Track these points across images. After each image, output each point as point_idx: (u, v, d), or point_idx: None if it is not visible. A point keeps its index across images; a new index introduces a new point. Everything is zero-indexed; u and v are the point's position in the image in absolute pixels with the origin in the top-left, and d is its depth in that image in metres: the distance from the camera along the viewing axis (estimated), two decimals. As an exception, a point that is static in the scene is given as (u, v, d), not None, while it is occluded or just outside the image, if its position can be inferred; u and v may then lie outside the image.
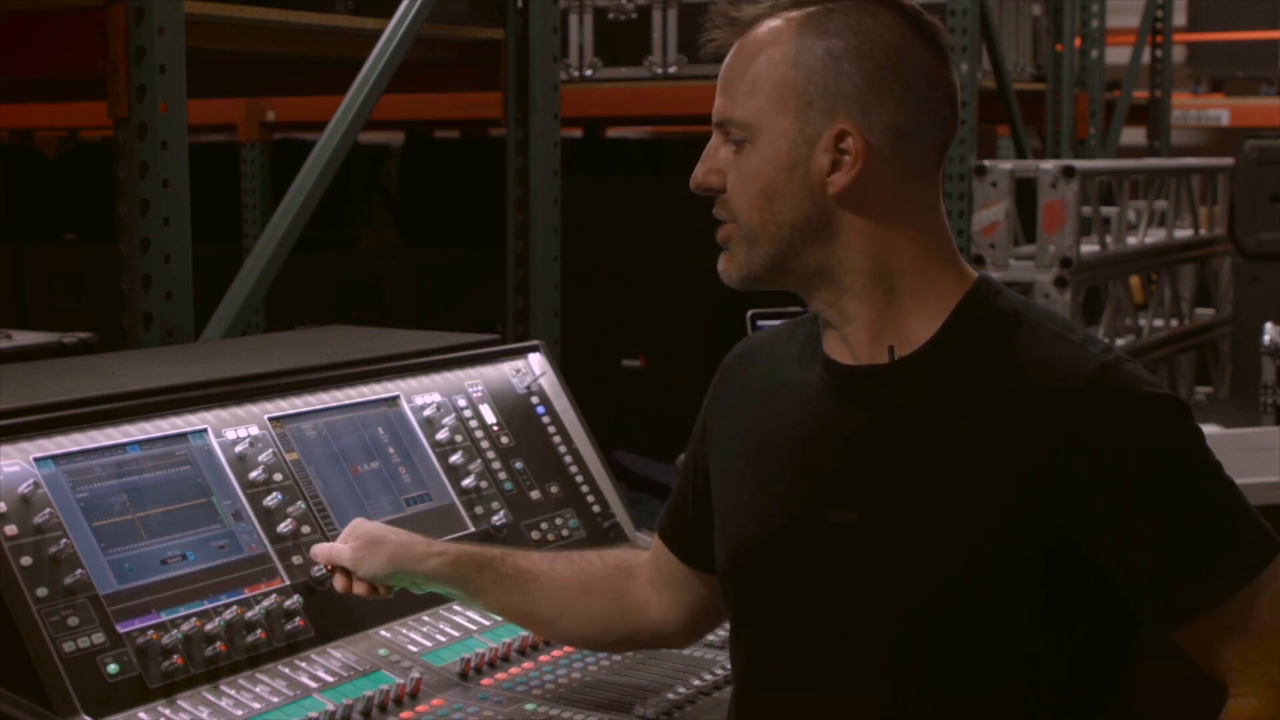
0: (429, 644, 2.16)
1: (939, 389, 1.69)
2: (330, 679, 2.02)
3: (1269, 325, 4.05)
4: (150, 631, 1.93)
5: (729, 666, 2.15)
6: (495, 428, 2.52)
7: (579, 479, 2.58)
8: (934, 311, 1.72)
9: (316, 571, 2.11)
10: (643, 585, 2.04)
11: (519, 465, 2.51)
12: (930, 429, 1.69)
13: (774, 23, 1.73)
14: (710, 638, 2.27)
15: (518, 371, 2.63)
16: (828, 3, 1.71)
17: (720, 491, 1.88)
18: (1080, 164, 4.87)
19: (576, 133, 7.51)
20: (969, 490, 1.65)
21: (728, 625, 2.28)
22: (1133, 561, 1.64)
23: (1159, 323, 5.61)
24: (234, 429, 2.18)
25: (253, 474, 2.16)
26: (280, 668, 2.02)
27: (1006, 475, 1.64)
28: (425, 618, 2.21)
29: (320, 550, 2.08)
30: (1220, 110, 10.61)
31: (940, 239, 1.75)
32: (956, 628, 1.66)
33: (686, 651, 2.22)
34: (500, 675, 2.12)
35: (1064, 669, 1.67)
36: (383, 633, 2.15)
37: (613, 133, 8.23)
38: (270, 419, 2.24)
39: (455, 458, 2.42)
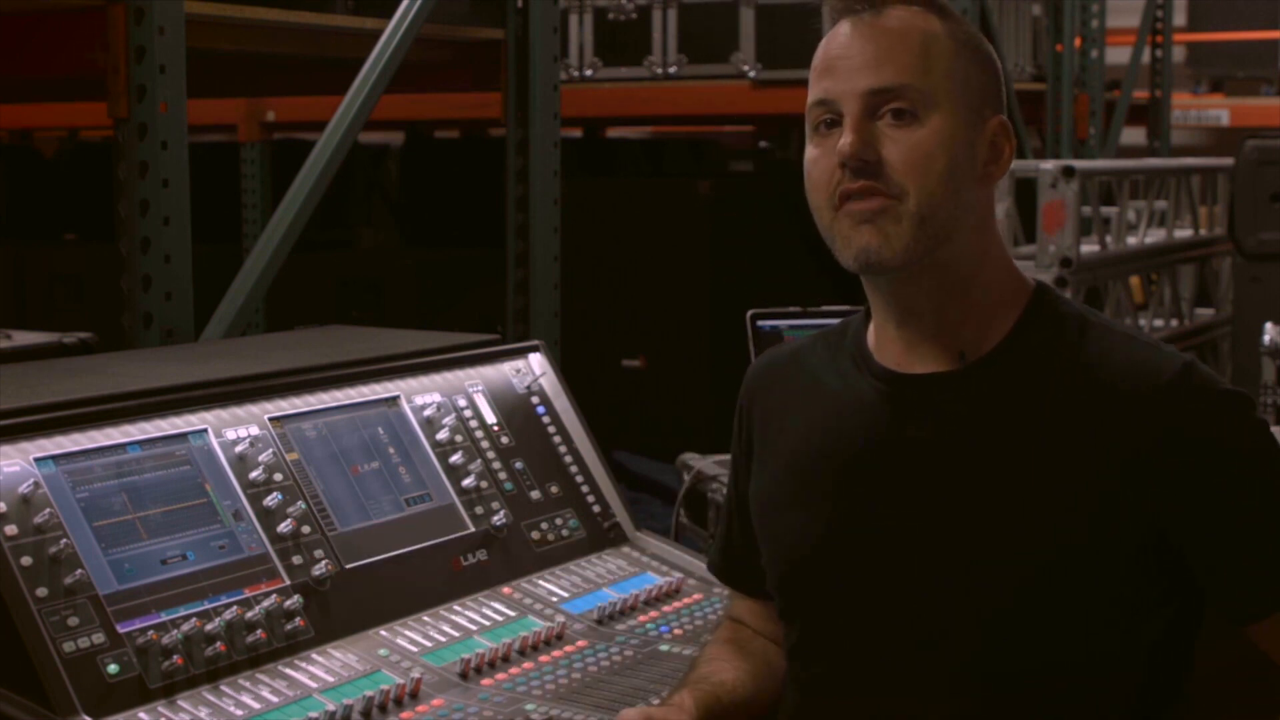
0: (429, 644, 2.16)
1: (1012, 392, 1.70)
2: (330, 679, 2.02)
3: (1269, 325, 4.05)
4: (150, 631, 1.93)
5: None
6: (495, 428, 2.52)
7: (579, 479, 2.58)
8: (1002, 315, 1.74)
9: None
10: (756, 638, 2.00)
11: (519, 465, 2.51)
12: (1007, 431, 1.69)
13: (913, 11, 1.72)
14: (710, 638, 2.26)
15: (518, 371, 2.63)
16: (933, 9, 1.74)
17: (766, 512, 1.87)
18: (1080, 164, 4.87)
19: (576, 133, 7.51)
20: (1055, 489, 1.66)
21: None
22: (1217, 555, 1.66)
23: (1159, 323, 5.61)
24: (234, 429, 2.18)
25: (253, 474, 2.16)
26: (280, 668, 2.02)
27: (1093, 473, 1.65)
28: (425, 618, 2.21)
29: None
30: (1220, 110, 10.60)
31: (1001, 242, 1.80)
32: (1046, 623, 1.67)
33: (687, 651, 2.22)
34: (500, 675, 2.12)
35: (1142, 661, 1.69)
36: (383, 633, 2.15)
37: (613, 133, 8.23)
38: (270, 419, 2.24)
39: (455, 458, 2.42)
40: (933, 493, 1.71)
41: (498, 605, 2.28)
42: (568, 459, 2.59)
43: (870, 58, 1.69)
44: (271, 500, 2.15)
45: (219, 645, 1.98)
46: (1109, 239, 5.15)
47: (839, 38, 1.72)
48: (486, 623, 2.24)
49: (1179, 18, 9.53)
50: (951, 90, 1.69)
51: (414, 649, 2.14)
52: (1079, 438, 1.66)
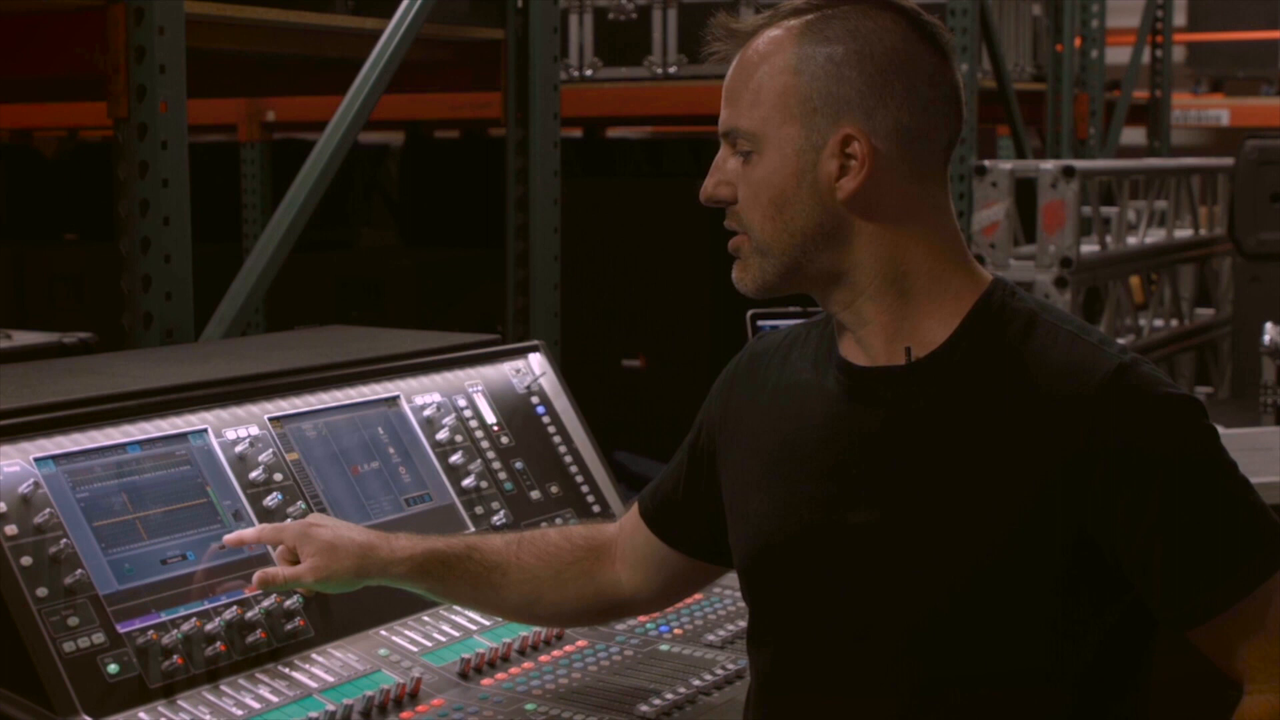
0: (429, 644, 2.16)
1: (956, 390, 1.70)
2: (330, 679, 2.02)
3: (1269, 325, 4.05)
4: (150, 631, 1.93)
5: (729, 667, 2.15)
6: (495, 428, 2.52)
7: (579, 479, 2.58)
8: (949, 313, 1.73)
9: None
10: (613, 562, 2.05)
11: (519, 465, 2.51)
12: (948, 430, 1.69)
13: (774, 32, 1.73)
14: (710, 637, 2.27)
15: (518, 371, 2.63)
16: (826, 9, 1.72)
17: (735, 492, 1.88)
18: (1080, 164, 4.87)
19: (576, 133, 7.51)
20: (989, 491, 1.66)
21: (731, 624, 2.28)
22: (1150, 562, 1.64)
23: (1159, 323, 5.62)
24: (234, 429, 2.19)
25: (253, 474, 2.16)
26: (280, 668, 2.02)
27: (1026, 476, 1.65)
28: (425, 618, 2.21)
29: (274, 576, 2.01)
30: (1220, 110, 10.61)
31: (951, 239, 1.76)
32: (977, 626, 1.67)
33: (687, 651, 2.23)
34: (500, 675, 2.12)
35: (1084, 666, 1.68)
36: (383, 633, 2.15)
37: (613, 133, 8.23)
38: (270, 419, 2.24)
39: (455, 458, 2.42)
40: (883, 486, 1.71)
41: (498, 605, 2.28)
42: (568, 459, 2.59)
43: (724, 99, 1.76)
44: (271, 500, 2.15)
45: (219, 645, 1.98)
46: (1109, 239, 5.15)
47: None
48: (486, 622, 2.24)
49: (1179, 18, 9.54)
50: (787, 116, 1.70)
51: (414, 649, 2.14)
52: (1016, 438, 1.66)
